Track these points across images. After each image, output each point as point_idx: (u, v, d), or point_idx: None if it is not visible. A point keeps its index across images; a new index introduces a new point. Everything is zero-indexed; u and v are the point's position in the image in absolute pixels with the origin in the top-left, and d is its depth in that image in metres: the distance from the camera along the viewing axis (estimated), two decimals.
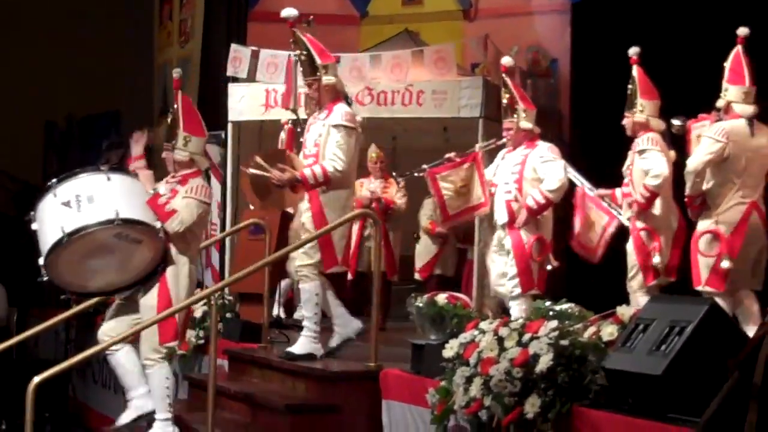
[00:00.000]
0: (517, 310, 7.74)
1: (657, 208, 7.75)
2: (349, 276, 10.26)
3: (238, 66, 10.87)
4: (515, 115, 8.12)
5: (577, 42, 10.75)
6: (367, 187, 10.27)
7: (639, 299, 7.55)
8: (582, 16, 10.95)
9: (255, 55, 10.87)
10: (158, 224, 6.89)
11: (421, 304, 6.87)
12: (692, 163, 7.20)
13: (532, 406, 5.01)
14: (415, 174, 9.41)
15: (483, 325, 5.63)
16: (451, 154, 8.46)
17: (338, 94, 7.81)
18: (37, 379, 6.37)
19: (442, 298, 6.81)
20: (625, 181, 7.97)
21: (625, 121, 8.00)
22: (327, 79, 7.76)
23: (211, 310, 7.16)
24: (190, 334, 9.11)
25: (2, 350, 7.98)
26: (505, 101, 8.27)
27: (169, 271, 7.08)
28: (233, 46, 11.07)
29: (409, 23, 12.82)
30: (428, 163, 8.41)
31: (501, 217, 7.98)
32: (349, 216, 7.71)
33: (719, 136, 7.10)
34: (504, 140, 8.32)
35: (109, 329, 7.22)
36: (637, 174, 7.83)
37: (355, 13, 13.58)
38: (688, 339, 4.68)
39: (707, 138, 7.16)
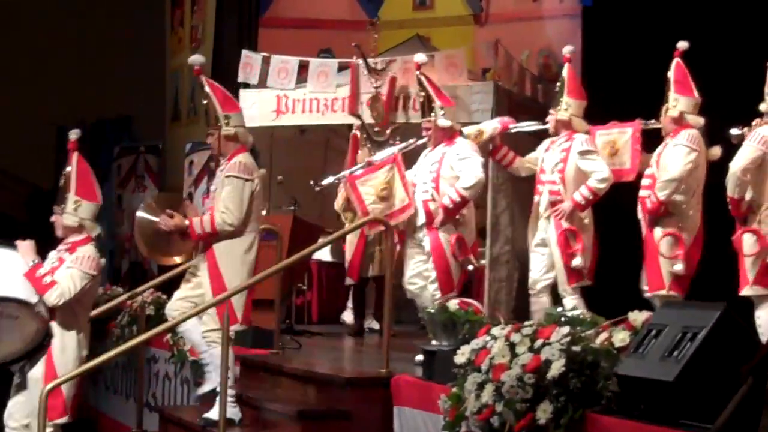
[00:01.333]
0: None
1: (583, 213, 7.85)
2: (349, 281, 10.29)
3: (249, 72, 10.88)
4: (433, 114, 8.12)
5: (588, 46, 10.72)
6: None
7: (565, 301, 7.65)
8: (593, 21, 10.93)
9: (266, 61, 10.89)
10: (35, 298, 6.91)
11: (432, 310, 6.87)
12: (735, 166, 7.07)
13: (544, 412, 5.00)
14: (335, 181, 9.39)
15: (494, 331, 5.61)
16: (371, 158, 8.44)
17: (240, 145, 7.45)
18: (48, 386, 6.38)
19: (453, 303, 6.81)
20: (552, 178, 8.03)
21: (549, 118, 8.10)
22: (226, 129, 7.42)
23: (222, 316, 7.16)
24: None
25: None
26: (421, 99, 8.29)
27: (55, 343, 7.12)
28: (244, 52, 11.08)
29: (419, 28, 12.83)
30: None
31: (419, 217, 8.02)
32: (361, 222, 7.71)
33: (760, 144, 6.99)
34: (424, 140, 8.32)
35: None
36: (571, 173, 7.86)
37: (366, 18, 13.57)
38: (700, 345, 4.66)
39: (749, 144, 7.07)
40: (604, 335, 5.39)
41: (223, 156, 7.47)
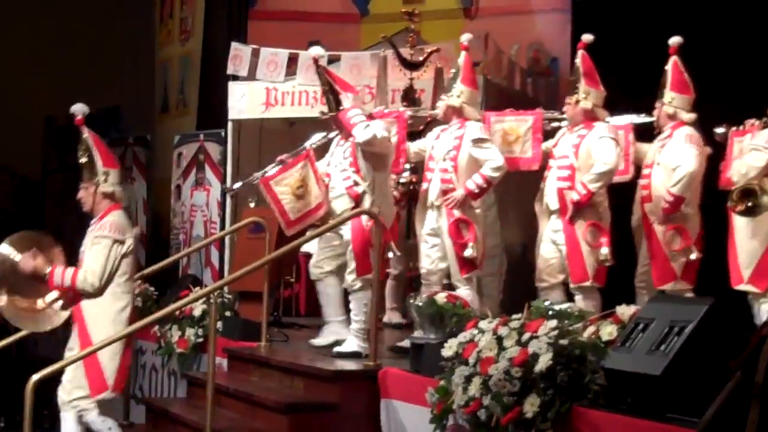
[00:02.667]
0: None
1: (475, 202, 7.80)
2: None
3: (239, 64, 10.87)
4: (341, 107, 7.92)
5: (578, 40, 10.72)
6: None
7: (459, 291, 7.56)
8: (582, 15, 10.93)
9: (255, 54, 10.87)
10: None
11: (420, 303, 6.86)
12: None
13: (531, 405, 5.00)
14: (246, 185, 9.22)
15: (482, 324, 5.62)
16: (283, 156, 8.31)
17: (115, 203, 7.40)
18: (35, 377, 6.37)
19: (441, 297, 6.80)
20: None
21: (439, 104, 8.10)
22: (104, 186, 7.40)
23: (210, 308, 7.16)
24: (190, 333, 9.11)
25: (1, 348, 7.99)
26: (326, 95, 8.07)
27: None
28: (234, 45, 11.07)
29: (409, 21, 12.81)
30: None
31: (339, 205, 7.86)
32: (350, 214, 7.69)
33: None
34: (335, 133, 8.26)
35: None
36: (464, 161, 7.77)
37: (356, 11, 13.56)
38: (687, 339, 4.67)
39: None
40: (591, 329, 5.40)
41: (95, 214, 7.38)
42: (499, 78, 10.76)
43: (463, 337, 5.67)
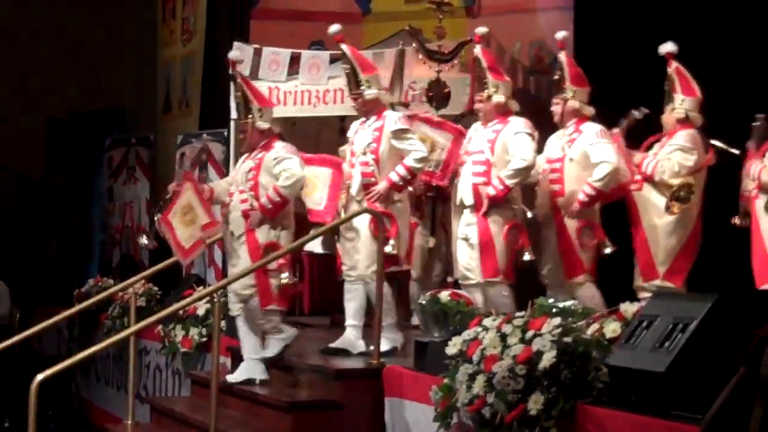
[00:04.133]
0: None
1: (398, 194, 7.71)
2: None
3: (241, 63, 10.84)
4: (250, 116, 7.71)
5: (580, 38, 10.72)
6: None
7: (372, 286, 7.57)
8: (584, 13, 10.92)
9: (258, 53, 10.87)
10: None
11: (424, 302, 6.87)
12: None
13: (535, 403, 5.01)
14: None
15: (486, 322, 5.62)
16: (172, 185, 8.04)
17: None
18: (40, 377, 6.38)
19: (445, 295, 6.81)
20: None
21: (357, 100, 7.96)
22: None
23: (214, 307, 7.16)
24: (193, 332, 9.12)
25: (6, 348, 8.00)
26: (238, 100, 7.94)
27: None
28: (236, 44, 11.04)
29: (411, 20, 12.81)
30: None
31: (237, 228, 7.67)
32: (351, 215, 7.70)
33: None
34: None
35: None
36: (385, 153, 7.69)
37: (358, 10, 13.56)
38: (691, 335, 4.68)
39: None
40: (595, 326, 5.41)
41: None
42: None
43: (467, 335, 5.68)
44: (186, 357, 9.19)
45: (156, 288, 10.30)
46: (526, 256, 7.58)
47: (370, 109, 7.88)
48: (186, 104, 14.30)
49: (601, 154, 7.49)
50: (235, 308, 7.66)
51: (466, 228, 7.66)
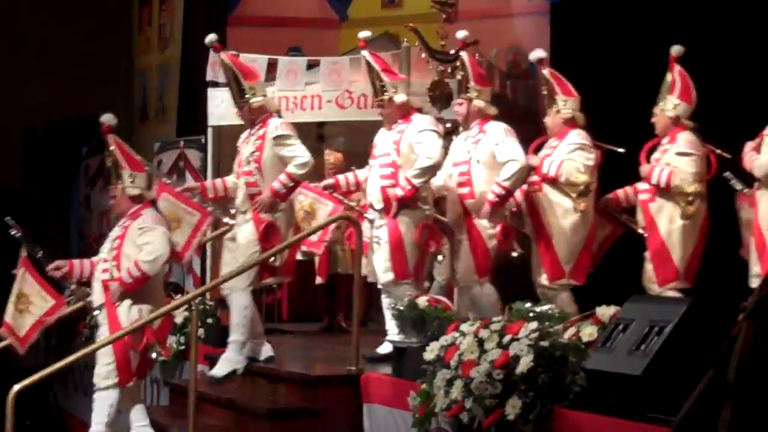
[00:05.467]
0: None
1: (282, 204, 7.64)
2: (319, 280, 10.28)
3: (218, 70, 10.81)
4: (120, 181, 7.42)
5: (557, 43, 10.75)
6: None
7: (234, 297, 7.53)
8: (561, 18, 10.96)
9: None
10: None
11: (402, 307, 6.86)
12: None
13: (512, 407, 5.01)
14: None
15: (463, 327, 5.62)
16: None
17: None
18: (17, 387, 6.35)
19: (423, 300, 6.80)
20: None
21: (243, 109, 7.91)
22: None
23: (192, 315, 7.14)
24: (172, 340, 9.08)
25: None
26: (109, 165, 7.68)
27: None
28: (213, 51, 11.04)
29: (388, 26, 12.82)
30: None
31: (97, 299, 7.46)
32: (331, 219, 7.70)
33: None
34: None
35: None
36: (268, 161, 7.60)
37: (335, 16, 13.56)
38: (667, 339, 4.70)
39: None
40: (572, 330, 5.41)
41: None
42: None
43: (445, 340, 5.68)
44: (164, 365, 9.15)
45: None
46: (440, 258, 7.58)
47: (256, 116, 7.76)
48: (163, 111, 14.27)
49: (507, 152, 7.43)
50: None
51: (377, 231, 7.56)
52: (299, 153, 7.53)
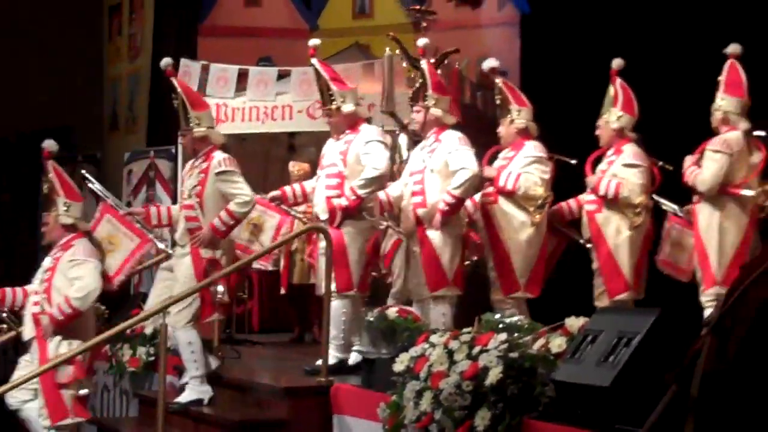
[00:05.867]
0: None
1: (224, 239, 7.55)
2: (282, 290, 10.26)
3: (188, 80, 10.80)
4: (54, 209, 7.53)
5: (526, 54, 10.80)
6: None
7: (178, 333, 7.46)
8: (531, 29, 11.01)
9: (205, 70, 10.86)
10: None
11: (372, 318, 6.86)
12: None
13: (482, 419, 5.02)
14: None
15: (433, 338, 5.62)
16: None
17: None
18: None
19: (393, 311, 6.80)
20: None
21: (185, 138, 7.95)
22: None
23: (161, 326, 7.10)
24: (141, 351, 9.04)
25: None
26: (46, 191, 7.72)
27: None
28: (183, 61, 11.02)
29: (359, 36, 12.84)
30: None
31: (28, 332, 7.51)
32: (300, 230, 7.69)
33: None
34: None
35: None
36: (210, 196, 7.49)
37: (306, 26, 13.56)
38: (635, 350, 4.71)
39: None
40: (541, 341, 5.42)
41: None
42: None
43: (415, 351, 5.67)
44: (134, 377, 9.10)
45: (103, 307, 10.18)
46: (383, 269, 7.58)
47: (199, 147, 7.70)
48: (133, 121, 14.22)
49: (460, 161, 7.35)
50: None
51: (323, 242, 7.44)
52: (242, 191, 7.44)
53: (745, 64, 7.38)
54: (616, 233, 7.62)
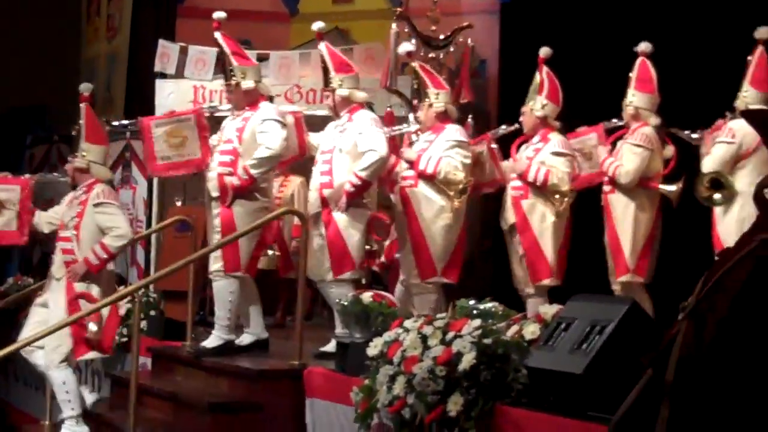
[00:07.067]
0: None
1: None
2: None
3: (166, 62, 10.81)
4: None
5: (506, 43, 10.80)
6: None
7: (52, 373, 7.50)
8: (511, 17, 11.01)
9: (183, 51, 10.82)
10: None
11: (346, 302, 6.85)
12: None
13: (454, 404, 5.01)
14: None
15: (407, 323, 5.62)
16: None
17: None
18: None
19: (367, 296, 6.80)
20: None
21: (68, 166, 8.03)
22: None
23: (134, 307, 7.09)
24: None
25: None
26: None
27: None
28: (161, 42, 10.99)
29: (339, 21, 12.81)
30: None
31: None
32: (275, 214, 7.66)
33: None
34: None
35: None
36: (87, 228, 7.52)
37: (286, 10, 13.53)
38: (608, 338, 4.71)
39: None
40: (514, 328, 5.43)
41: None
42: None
43: (388, 336, 5.66)
44: (106, 357, 9.07)
45: None
46: (269, 252, 7.52)
47: (79, 179, 7.70)
48: (110, 102, 14.16)
49: (369, 142, 7.29)
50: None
51: (214, 219, 7.42)
52: (118, 224, 7.43)
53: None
54: (542, 220, 7.78)
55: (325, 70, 7.64)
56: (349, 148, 7.36)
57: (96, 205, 7.43)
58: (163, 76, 11.07)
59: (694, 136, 7.78)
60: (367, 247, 7.60)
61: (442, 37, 10.05)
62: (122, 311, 9.03)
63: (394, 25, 10.04)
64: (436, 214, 7.51)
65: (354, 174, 7.25)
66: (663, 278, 7.83)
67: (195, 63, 10.86)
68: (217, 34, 7.69)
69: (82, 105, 7.88)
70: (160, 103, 11.17)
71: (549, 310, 5.36)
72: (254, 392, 6.98)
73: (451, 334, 5.24)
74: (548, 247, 7.75)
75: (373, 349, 5.68)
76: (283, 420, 6.82)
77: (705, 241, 7.38)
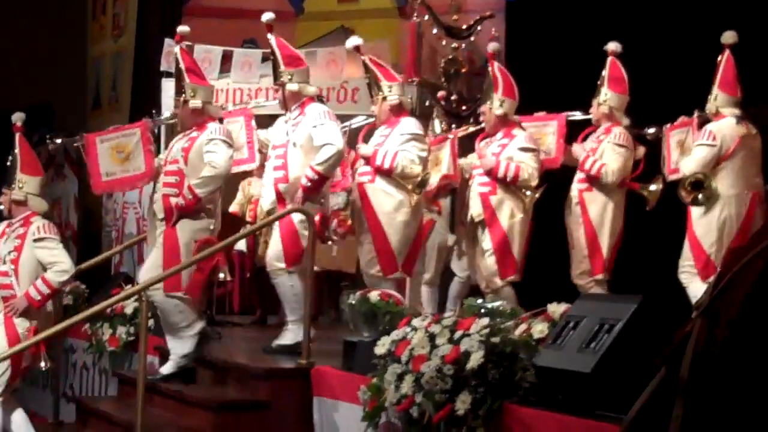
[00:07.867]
0: None
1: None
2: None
3: (172, 61, 10.77)
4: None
5: (512, 41, 10.79)
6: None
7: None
8: (516, 16, 11.00)
9: (189, 50, 10.79)
10: None
11: (353, 301, 6.86)
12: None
13: (462, 403, 5.02)
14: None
15: (415, 322, 5.63)
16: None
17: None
18: None
19: (374, 295, 6.80)
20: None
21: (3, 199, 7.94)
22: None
23: (141, 306, 7.09)
24: (121, 331, 9.03)
25: None
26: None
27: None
28: (167, 41, 10.97)
29: (344, 20, 12.81)
30: None
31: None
32: (282, 212, 7.66)
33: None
34: None
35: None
36: (27, 262, 7.52)
37: (291, 9, 13.52)
38: (617, 337, 4.72)
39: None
40: (523, 327, 5.43)
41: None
42: (434, 78, 10.78)
43: (396, 335, 5.67)
44: (113, 356, 9.09)
45: (83, 286, 10.18)
46: (221, 275, 7.50)
47: (15, 212, 7.65)
48: (116, 100, 14.17)
49: (325, 135, 7.22)
50: None
51: (158, 238, 7.31)
52: (60, 258, 7.39)
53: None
54: (510, 216, 7.79)
55: (275, 65, 7.59)
56: (303, 141, 7.31)
57: (36, 240, 7.39)
58: (169, 74, 11.04)
59: (650, 131, 7.82)
60: (329, 242, 7.59)
61: (464, 27, 9.93)
62: (129, 310, 9.07)
63: (415, 15, 9.94)
64: (395, 208, 7.50)
65: (310, 168, 7.19)
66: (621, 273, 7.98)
67: (201, 62, 10.80)
68: (177, 49, 7.67)
69: (17, 134, 7.84)
70: (165, 101, 11.16)
71: (557, 308, 5.37)
72: (262, 391, 6.97)
73: (459, 333, 5.24)
74: (515, 243, 7.79)
75: (381, 347, 5.69)
76: (291, 419, 6.82)
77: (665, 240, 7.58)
